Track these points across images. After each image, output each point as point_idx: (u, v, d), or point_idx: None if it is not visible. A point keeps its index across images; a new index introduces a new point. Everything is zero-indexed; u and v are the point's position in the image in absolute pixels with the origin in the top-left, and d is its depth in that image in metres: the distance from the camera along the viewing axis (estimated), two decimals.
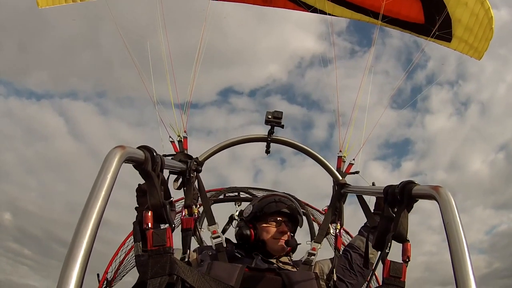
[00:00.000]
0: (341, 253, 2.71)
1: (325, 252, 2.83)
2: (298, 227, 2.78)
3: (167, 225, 1.80)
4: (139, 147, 1.67)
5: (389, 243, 1.78)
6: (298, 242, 2.72)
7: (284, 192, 3.15)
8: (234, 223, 2.88)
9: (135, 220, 2.07)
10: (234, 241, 2.73)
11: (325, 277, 2.51)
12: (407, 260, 1.75)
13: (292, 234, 2.72)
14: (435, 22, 4.28)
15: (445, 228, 1.40)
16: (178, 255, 2.33)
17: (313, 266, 2.54)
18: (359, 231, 2.81)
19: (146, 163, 1.65)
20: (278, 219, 2.64)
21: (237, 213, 3.11)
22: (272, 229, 2.62)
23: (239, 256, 2.50)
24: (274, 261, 2.53)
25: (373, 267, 2.49)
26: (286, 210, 2.66)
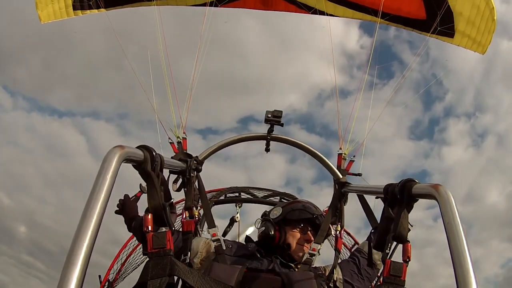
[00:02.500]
0: (349, 257, 2.71)
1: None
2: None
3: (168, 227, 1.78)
4: (138, 147, 1.67)
5: (390, 244, 1.76)
6: None
7: (274, 190, 3.09)
8: (258, 223, 2.85)
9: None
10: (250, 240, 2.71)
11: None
12: (408, 260, 1.73)
13: None
14: (436, 17, 4.23)
15: (445, 227, 1.38)
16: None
17: (319, 269, 2.52)
18: (368, 237, 2.77)
19: (146, 162, 1.65)
20: (306, 227, 2.67)
21: (237, 214, 3.08)
22: (299, 235, 2.64)
23: (259, 256, 2.48)
24: (293, 265, 2.52)
25: (378, 268, 2.47)
26: (314, 220, 2.68)
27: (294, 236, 2.63)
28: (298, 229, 2.65)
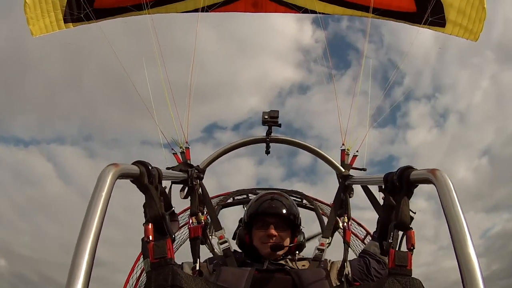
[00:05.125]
0: (358, 257, 2.67)
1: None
2: (298, 223, 2.68)
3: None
4: (133, 163, 1.70)
5: (392, 233, 1.76)
6: (301, 242, 2.66)
7: (281, 189, 3.07)
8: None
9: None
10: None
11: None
12: (412, 248, 1.70)
13: (296, 234, 2.64)
14: (427, 9, 4.27)
15: (444, 212, 1.39)
16: (190, 265, 2.34)
17: (326, 263, 2.48)
18: (372, 236, 2.75)
19: (142, 177, 1.67)
20: (267, 221, 2.56)
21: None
22: (261, 233, 2.55)
23: (249, 261, 2.46)
24: (283, 262, 2.47)
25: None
26: (271, 211, 2.59)
27: (256, 235, 2.56)
28: (259, 226, 2.56)
